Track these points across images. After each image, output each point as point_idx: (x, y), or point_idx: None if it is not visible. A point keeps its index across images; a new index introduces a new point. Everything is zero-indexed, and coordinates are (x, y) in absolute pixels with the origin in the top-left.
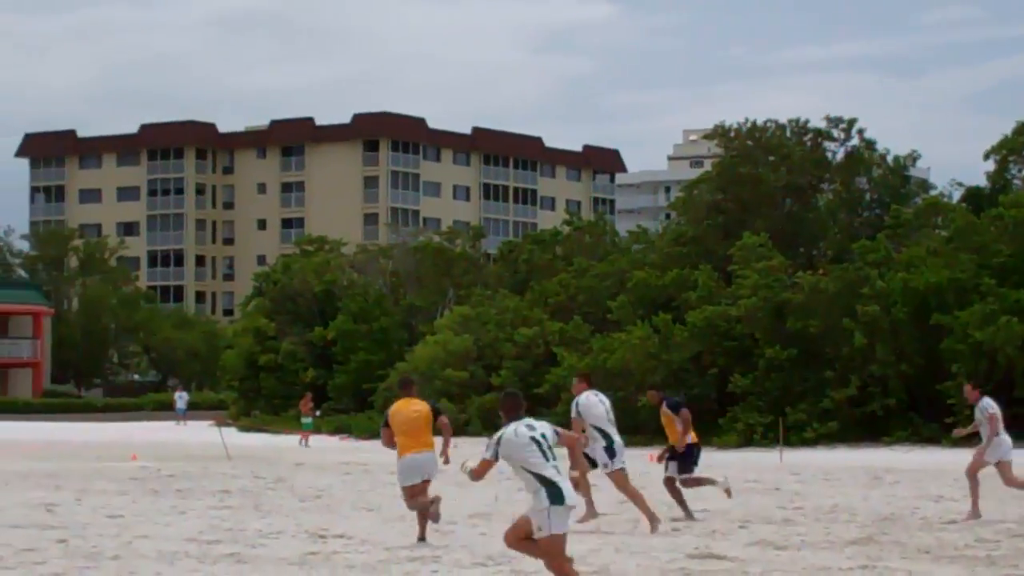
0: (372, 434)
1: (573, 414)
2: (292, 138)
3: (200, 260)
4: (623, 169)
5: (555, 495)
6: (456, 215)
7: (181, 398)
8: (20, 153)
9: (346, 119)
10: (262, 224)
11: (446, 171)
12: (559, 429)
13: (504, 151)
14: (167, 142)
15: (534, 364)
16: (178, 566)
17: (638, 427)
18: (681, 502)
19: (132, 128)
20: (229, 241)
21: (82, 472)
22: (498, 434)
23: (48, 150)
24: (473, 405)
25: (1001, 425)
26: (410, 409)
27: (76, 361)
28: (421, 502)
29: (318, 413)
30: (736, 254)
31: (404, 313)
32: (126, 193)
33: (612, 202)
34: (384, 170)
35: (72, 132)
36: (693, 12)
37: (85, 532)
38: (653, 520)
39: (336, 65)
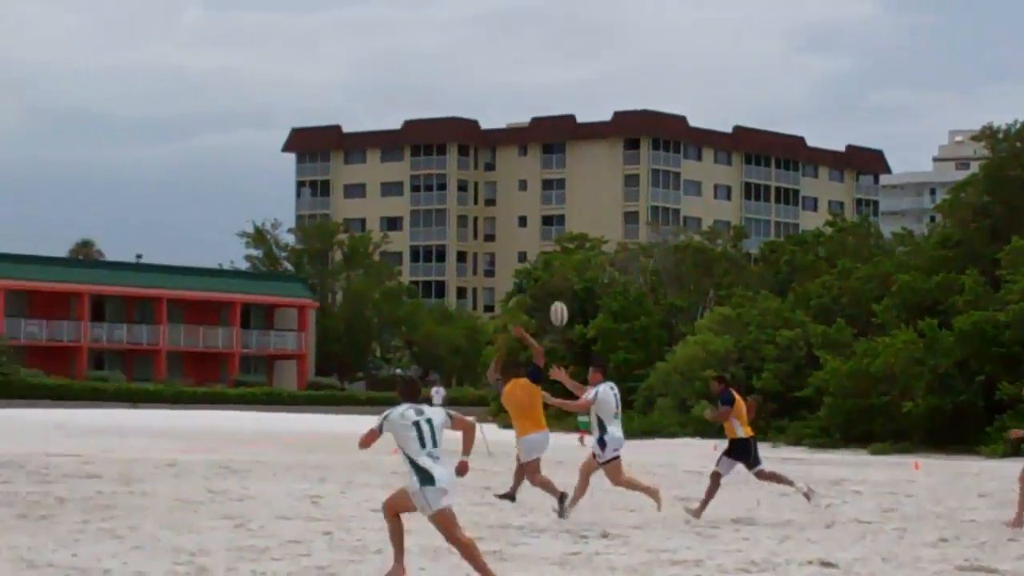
0: (630, 434)
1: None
2: (553, 135)
3: (461, 256)
4: (887, 170)
5: (425, 478)
6: (717, 214)
7: (438, 393)
8: (287, 148)
9: (607, 116)
10: (523, 221)
11: (707, 170)
12: (453, 414)
13: (766, 150)
14: (430, 138)
15: (795, 367)
16: (441, 562)
17: (901, 433)
18: (708, 495)
19: (396, 124)
20: (490, 237)
21: (346, 464)
22: (387, 412)
23: (314, 145)
24: None
25: None
26: (520, 391)
27: (340, 354)
28: (542, 479)
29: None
30: (1004, 258)
31: (664, 312)
32: (390, 188)
33: (875, 203)
34: (645, 168)
35: (337, 127)
36: (959, 11)
37: (349, 525)
38: (658, 499)
39: (599, 62)
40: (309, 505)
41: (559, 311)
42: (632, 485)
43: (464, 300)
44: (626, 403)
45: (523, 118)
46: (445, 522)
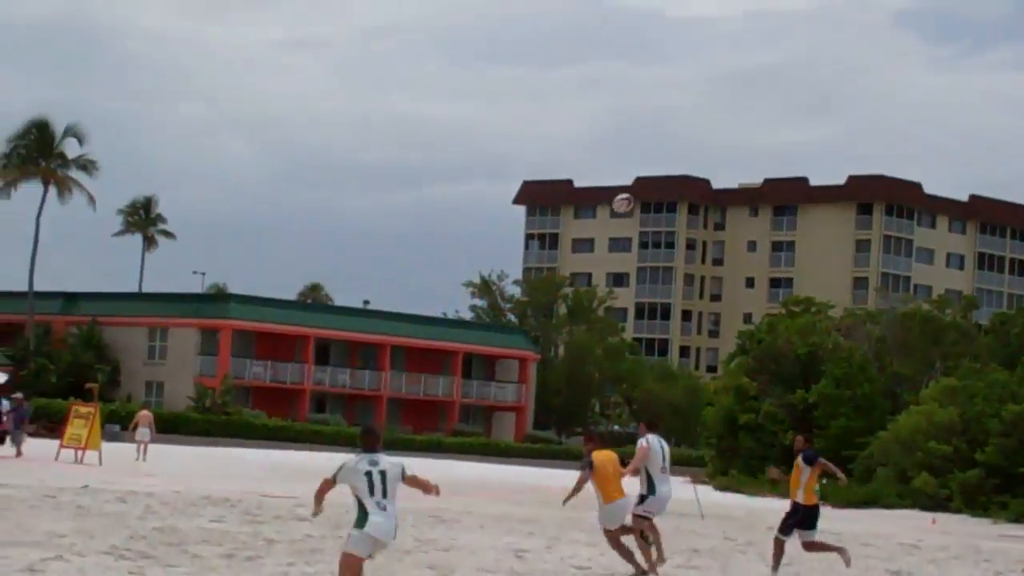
0: (848, 502)
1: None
2: (785, 197)
3: (686, 315)
4: None
5: (360, 520)
6: (948, 283)
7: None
8: (517, 200)
9: (840, 180)
10: (750, 282)
11: (940, 238)
12: (410, 474)
13: (1002, 220)
14: (661, 196)
15: (1020, 442)
16: None
17: None
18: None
19: (627, 180)
20: (716, 297)
21: (556, 520)
22: (342, 461)
23: (545, 198)
24: (955, 480)
25: None
26: (609, 459)
27: (559, 407)
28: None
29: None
30: None
31: (888, 381)
32: (618, 244)
33: None
34: (877, 234)
35: (569, 181)
36: None
37: None
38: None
39: (834, 125)
40: (513, 559)
41: (625, 202)
42: (621, 547)
43: (687, 359)
44: (845, 471)
45: (755, 178)
46: (343, 563)
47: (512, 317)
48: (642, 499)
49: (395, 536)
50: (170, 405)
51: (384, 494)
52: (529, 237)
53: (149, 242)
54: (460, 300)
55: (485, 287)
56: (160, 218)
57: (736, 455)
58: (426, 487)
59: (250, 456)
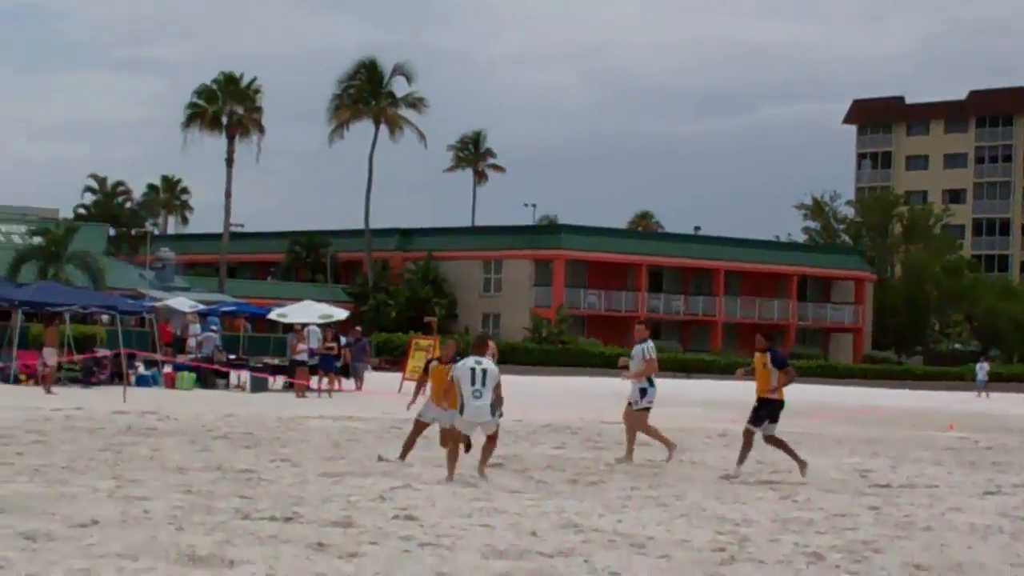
0: None
1: (647, 356)
2: None
3: None
4: None
5: (461, 407)
6: None
7: (982, 368)
8: (847, 120)
9: None
10: None
11: None
12: (498, 383)
13: None
14: (996, 109)
15: None
16: (990, 541)
17: None
18: (789, 452)
19: (960, 94)
20: None
21: (898, 439)
22: (459, 362)
23: (876, 117)
24: None
25: None
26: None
27: (897, 328)
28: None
29: None
30: None
31: None
32: (953, 160)
33: None
34: None
35: (900, 99)
36: None
37: (897, 500)
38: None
39: None
40: (858, 479)
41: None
42: (653, 434)
43: None
44: None
45: None
46: (453, 434)
47: (846, 238)
48: (643, 393)
49: (490, 416)
50: (507, 336)
51: (483, 384)
52: (861, 156)
53: (479, 176)
54: (792, 223)
55: (818, 209)
56: (489, 152)
57: None
58: (496, 402)
59: (587, 384)
